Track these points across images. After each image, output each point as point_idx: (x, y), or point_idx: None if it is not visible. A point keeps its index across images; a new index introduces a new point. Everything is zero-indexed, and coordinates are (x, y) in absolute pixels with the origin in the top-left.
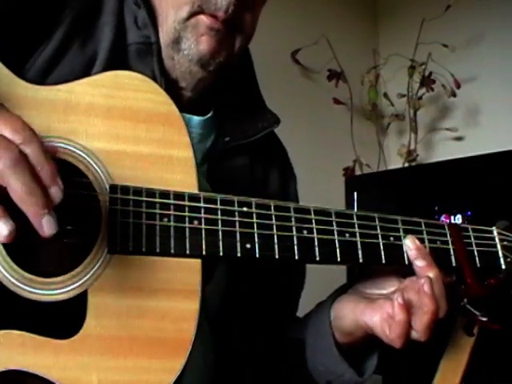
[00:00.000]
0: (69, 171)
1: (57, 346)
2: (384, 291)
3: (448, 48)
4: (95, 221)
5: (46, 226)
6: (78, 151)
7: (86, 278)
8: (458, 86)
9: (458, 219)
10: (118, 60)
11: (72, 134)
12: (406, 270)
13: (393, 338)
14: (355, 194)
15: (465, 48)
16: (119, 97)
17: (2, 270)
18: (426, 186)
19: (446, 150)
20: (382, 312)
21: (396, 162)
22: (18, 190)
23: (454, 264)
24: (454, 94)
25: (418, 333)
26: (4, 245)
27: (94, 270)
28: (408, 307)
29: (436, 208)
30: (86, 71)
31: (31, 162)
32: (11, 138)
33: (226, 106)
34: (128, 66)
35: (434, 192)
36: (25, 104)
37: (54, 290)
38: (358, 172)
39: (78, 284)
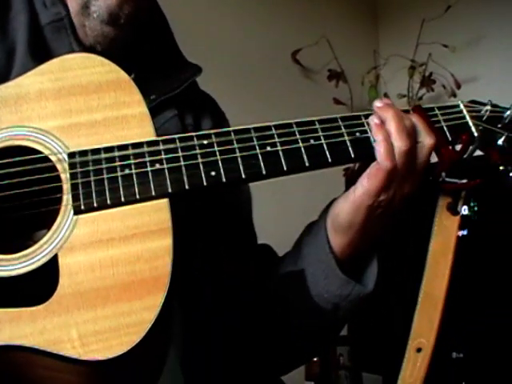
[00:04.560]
0: (25, 153)
1: (33, 313)
2: None
3: (448, 48)
4: (57, 189)
5: None
6: (32, 134)
7: (54, 244)
8: (459, 87)
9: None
10: (37, 44)
11: (25, 121)
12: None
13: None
14: None
15: (465, 48)
16: (68, 77)
17: None
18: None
19: None
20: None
21: None
22: None
23: None
24: (454, 95)
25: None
26: None
27: (62, 234)
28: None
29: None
30: (7, 60)
31: None
32: None
33: (147, 66)
34: (47, 48)
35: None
36: None
37: (23, 263)
38: None
39: (47, 251)
